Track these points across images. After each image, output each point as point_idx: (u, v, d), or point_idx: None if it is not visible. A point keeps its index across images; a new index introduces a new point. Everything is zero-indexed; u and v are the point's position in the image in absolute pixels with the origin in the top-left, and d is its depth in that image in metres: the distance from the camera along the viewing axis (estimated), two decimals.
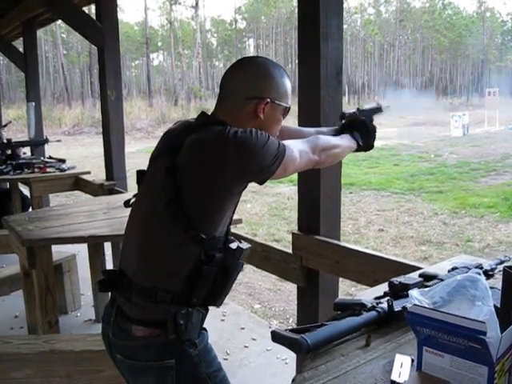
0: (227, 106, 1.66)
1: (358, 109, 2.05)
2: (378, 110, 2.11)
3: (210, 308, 1.68)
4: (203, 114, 1.68)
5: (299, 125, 2.53)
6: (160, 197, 1.55)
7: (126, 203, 1.81)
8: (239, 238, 1.81)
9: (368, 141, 1.97)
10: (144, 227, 1.63)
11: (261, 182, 1.58)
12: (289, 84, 1.71)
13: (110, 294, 1.75)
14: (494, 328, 0.91)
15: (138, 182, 1.75)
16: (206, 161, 1.51)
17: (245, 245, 1.66)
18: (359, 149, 1.96)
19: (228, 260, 1.60)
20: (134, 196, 1.77)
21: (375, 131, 1.99)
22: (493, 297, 1.08)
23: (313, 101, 2.58)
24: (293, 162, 1.62)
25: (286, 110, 1.71)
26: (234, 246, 1.62)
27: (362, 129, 1.96)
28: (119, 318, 1.65)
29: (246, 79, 1.65)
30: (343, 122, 2.01)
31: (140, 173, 1.75)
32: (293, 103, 1.75)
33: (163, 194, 1.54)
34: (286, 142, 1.62)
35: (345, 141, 1.89)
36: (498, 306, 1.16)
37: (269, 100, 1.63)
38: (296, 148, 1.63)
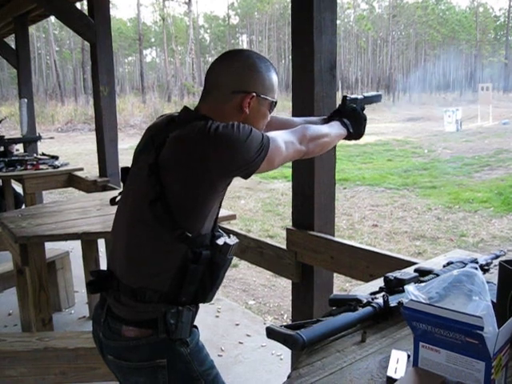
0: (212, 100, 1.62)
1: (364, 96, 2.03)
2: (379, 97, 2.11)
3: (204, 304, 1.66)
4: (186, 108, 1.64)
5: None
6: (143, 195, 1.52)
7: (112, 201, 1.78)
8: (231, 232, 1.79)
9: (359, 128, 1.92)
10: (129, 226, 1.60)
11: (246, 177, 1.54)
12: (275, 78, 1.67)
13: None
14: (491, 323, 0.90)
15: (123, 179, 1.72)
16: (188, 157, 1.48)
17: (232, 240, 1.63)
18: (349, 136, 1.91)
19: (215, 257, 1.58)
20: (120, 194, 1.74)
21: (366, 119, 1.94)
22: (489, 292, 1.08)
23: (307, 96, 2.57)
24: (278, 154, 1.58)
25: (273, 105, 1.67)
26: (220, 242, 1.59)
27: (352, 116, 1.92)
28: (109, 318, 1.63)
29: (232, 73, 1.61)
30: (340, 105, 1.98)
31: (124, 170, 1.72)
32: (286, 99, 1.73)
33: (147, 192, 1.51)
34: (271, 134, 1.59)
35: (334, 128, 1.84)
36: (494, 300, 1.16)
37: (254, 94, 1.59)
38: (281, 139, 1.60)
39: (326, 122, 1.94)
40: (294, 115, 2.65)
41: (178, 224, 1.50)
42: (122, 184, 1.73)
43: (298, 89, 2.65)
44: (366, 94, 2.05)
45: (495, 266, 1.54)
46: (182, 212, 1.50)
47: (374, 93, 2.12)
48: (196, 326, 1.70)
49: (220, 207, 1.66)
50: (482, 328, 0.87)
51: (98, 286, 1.67)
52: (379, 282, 1.42)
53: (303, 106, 2.61)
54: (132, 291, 1.56)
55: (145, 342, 1.57)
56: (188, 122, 1.54)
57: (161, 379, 1.58)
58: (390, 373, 1.02)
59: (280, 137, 1.61)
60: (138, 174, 1.61)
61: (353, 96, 1.99)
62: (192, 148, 1.47)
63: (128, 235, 1.60)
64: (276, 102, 1.68)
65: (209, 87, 1.64)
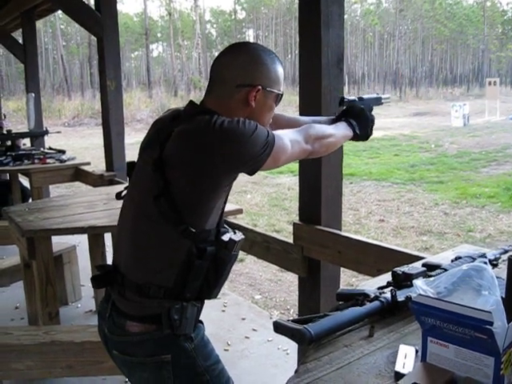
0: (217, 94, 1.60)
1: (359, 97, 2.01)
2: (378, 100, 2.08)
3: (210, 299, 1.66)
4: (191, 103, 1.63)
5: (300, 114, 2.50)
6: (148, 190, 1.51)
7: (118, 195, 1.77)
8: (237, 226, 1.78)
9: (365, 130, 1.91)
10: (133, 221, 1.60)
11: (251, 173, 1.54)
12: (281, 70, 1.65)
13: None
14: (500, 318, 0.89)
15: (129, 174, 1.71)
16: (193, 152, 1.47)
17: (238, 236, 1.62)
18: (356, 137, 1.90)
19: (220, 253, 1.57)
20: (126, 188, 1.74)
21: (373, 121, 1.93)
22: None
23: (314, 90, 2.56)
24: (284, 152, 1.57)
25: (279, 97, 1.66)
26: (226, 238, 1.58)
27: (360, 117, 1.90)
28: (114, 313, 1.63)
29: (237, 66, 1.59)
30: (342, 107, 1.97)
31: (130, 164, 1.71)
32: (293, 93, 1.71)
33: (151, 187, 1.50)
34: (277, 132, 1.58)
35: (340, 129, 1.83)
36: (503, 296, 1.15)
37: (260, 87, 1.58)
38: (287, 137, 1.59)
39: (333, 121, 1.93)
40: (301, 109, 2.64)
41: (182, 219, 1.49)
42: (128, 178, 1.73)
43: (305, 82, 2.65)
44: (365, 96, 2.03)
45: (504, 261, 1.53)
46: (187, 207, 1.50)
47: (373, 95, 2.09)
48: (201, 321, 1.70)
49: (225, 203, 1.65)
50: (491, 323, 0.86)
51: (103, 280, 1.67)
52: (387, 277, 1.42)
53: (310, 99, 2.61)
54: (137, 287, 1.55)
55: (149, 338, 1.57)
56: (193, 117, 1.53)
57: (165, 374, 1.58)
58: (398, 368, 1.02)
59: (285, 135, 1.60)
60: (143, 168, 1.60)
61: (351, 98, 1.98)
62: (197, 142, 1.47)
63: (133, 230, 1.60)
64: (282, 95, 1.67)
65: (214, 81, 1.63)
